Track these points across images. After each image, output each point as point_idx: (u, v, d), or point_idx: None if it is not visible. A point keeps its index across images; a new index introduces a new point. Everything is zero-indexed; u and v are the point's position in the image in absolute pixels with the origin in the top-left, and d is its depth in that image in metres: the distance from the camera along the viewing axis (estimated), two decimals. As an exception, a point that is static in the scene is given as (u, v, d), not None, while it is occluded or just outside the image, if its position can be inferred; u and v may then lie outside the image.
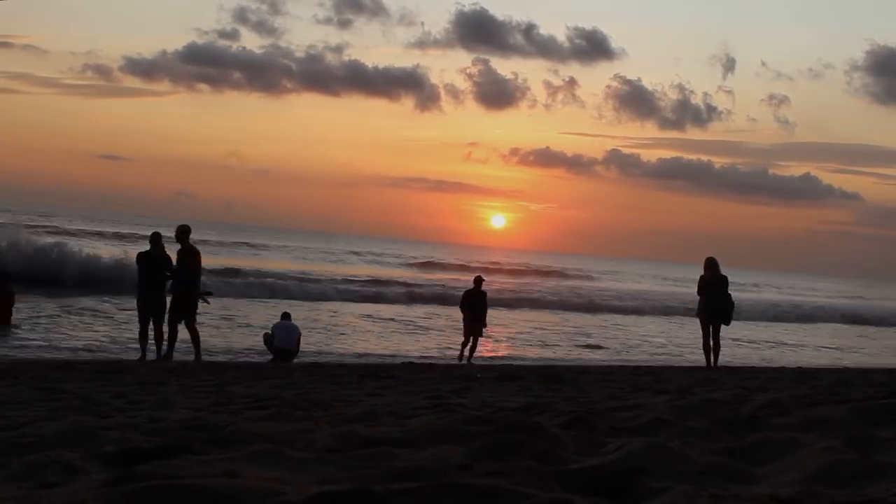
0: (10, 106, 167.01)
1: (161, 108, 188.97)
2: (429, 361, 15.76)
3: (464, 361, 16.69)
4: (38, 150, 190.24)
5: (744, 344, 25.99)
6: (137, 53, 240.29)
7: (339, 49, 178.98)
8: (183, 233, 14.13)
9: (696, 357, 18.60)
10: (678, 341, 25.29)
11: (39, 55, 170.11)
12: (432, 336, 22.20)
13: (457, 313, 18.43)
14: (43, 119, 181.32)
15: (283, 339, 15.77)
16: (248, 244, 68.14)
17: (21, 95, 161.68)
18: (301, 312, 23.31)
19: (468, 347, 17.33)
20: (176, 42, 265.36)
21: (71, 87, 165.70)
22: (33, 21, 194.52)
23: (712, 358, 15.70)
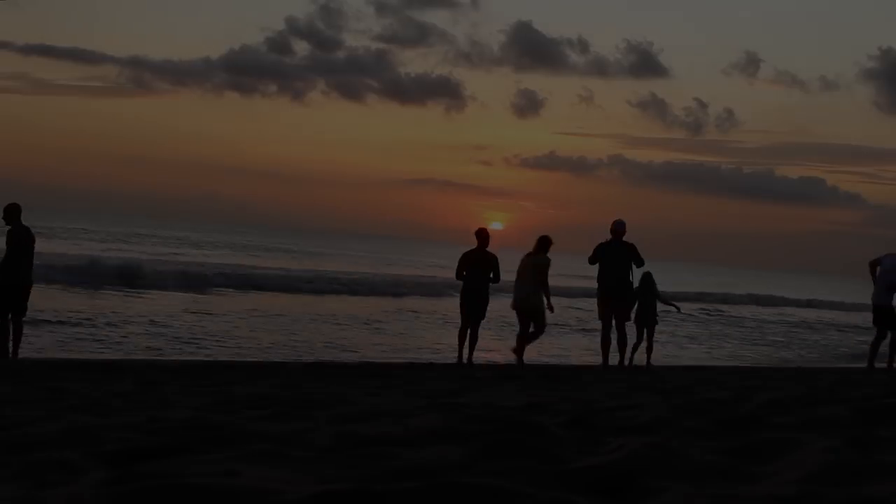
0: (45, 107, 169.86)
1: (192, 110, 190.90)
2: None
3: None
4: (73, 151, 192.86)
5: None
6: (179, 59, 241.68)
7: (368, 57, 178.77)
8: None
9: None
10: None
11: (81, 58, 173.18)
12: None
13: None
14: (83, 121, 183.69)
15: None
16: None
17: (57, 98, 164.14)
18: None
19: None
20: (216, 49, 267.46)
21: (108, 89, 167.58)
22: (75, 26, 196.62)
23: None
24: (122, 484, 2.89)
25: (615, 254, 13.85)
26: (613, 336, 14.27)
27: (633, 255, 13.83)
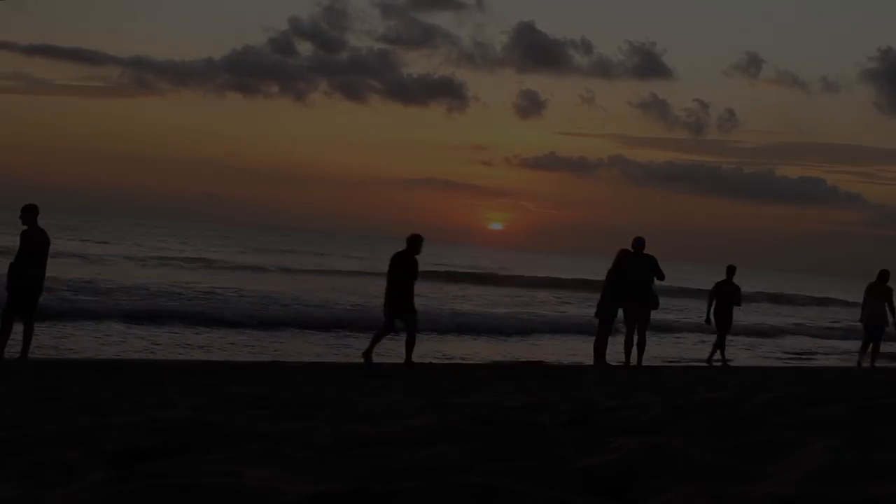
0: (48, 107, 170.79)
1: (194, 111, 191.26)
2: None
3: None
4: (77, 152, 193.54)
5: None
6: (181, 59, 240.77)
7: (372, 57, 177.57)
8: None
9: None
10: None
11: (84, 59, 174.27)
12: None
13: None
14: (86, 121, 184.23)
15: None
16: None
17: (59, 98, 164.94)
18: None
19: None
20: (219, 50, 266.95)
21: (111, 90, 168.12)
22: (78, 26, 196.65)
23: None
24: (122, 484, 2.89)
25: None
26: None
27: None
